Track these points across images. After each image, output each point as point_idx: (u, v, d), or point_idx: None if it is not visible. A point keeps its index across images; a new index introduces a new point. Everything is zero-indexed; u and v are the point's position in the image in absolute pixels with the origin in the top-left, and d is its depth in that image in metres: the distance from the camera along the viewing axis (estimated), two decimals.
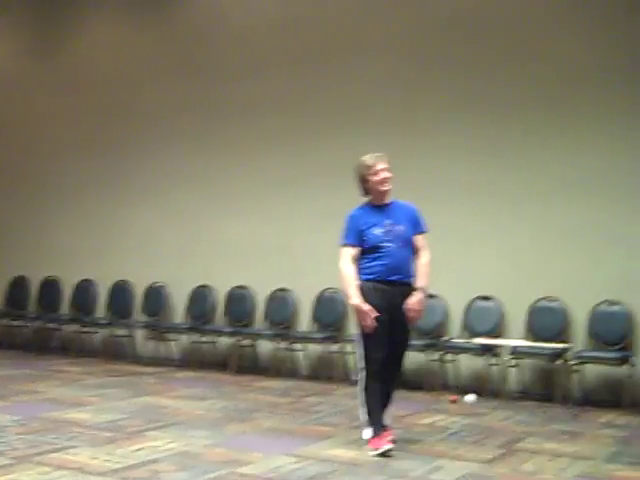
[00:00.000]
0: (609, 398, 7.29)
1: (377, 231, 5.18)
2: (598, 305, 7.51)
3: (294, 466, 4.70)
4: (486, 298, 8.00)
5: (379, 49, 8.76)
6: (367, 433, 5.15)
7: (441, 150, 8.34)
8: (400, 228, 5.21)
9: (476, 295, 8.03)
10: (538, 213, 7.88)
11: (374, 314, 5.01)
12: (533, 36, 8.03)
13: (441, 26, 8.45)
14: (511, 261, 7.93)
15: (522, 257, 7.90)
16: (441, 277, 7.79)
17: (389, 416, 5.25)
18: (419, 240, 5.27)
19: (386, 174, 5.23)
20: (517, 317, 7.84)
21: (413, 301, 5.12)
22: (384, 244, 5.15)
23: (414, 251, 5.25)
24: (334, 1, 9.14)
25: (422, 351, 7.87)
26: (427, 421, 6.29)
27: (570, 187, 7.75)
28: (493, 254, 8.01)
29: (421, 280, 5.20)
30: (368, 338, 5.10)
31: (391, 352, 5.13)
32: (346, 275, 5.17)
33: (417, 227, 5.29)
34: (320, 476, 4.49)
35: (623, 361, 7.18)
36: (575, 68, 7.80)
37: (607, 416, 6.74)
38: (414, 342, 7.90)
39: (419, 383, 7.91)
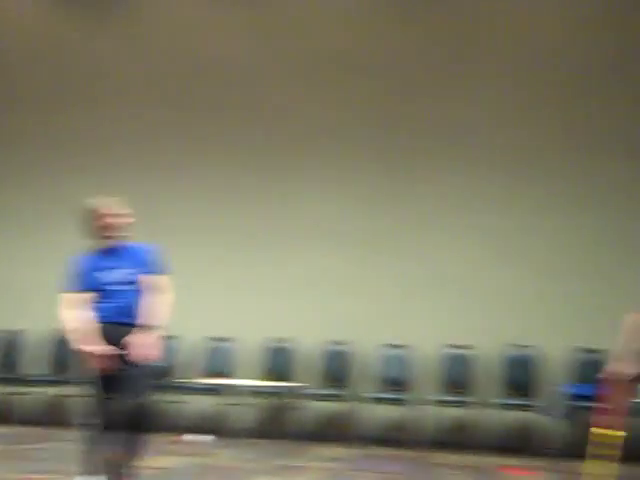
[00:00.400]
0: (330, 432, 7.70)
1: (102, 274, 5.12)
2: (325, 345, 7.94)
3: None
4: (222, 339, 8.17)
5: (124, 92, 8.81)
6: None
7: (181, 193, 8.50)
8: (128, 271, 5.18)
9: (212, 336, 8.18)
10: (272, 257, 8.22)
11: (104, 356, 4.93)
12: (265, 91, 8.47)
13: (183, 73, 8.67)
14: (246, 301, 8.17)
15: (254, 298, 8.16)
16: (177, 318, 7.91)
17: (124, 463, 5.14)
18: (154, 281, 5.24)
19: (110, 220, 5.19)
20: (250, 357, 8.08)
21: (133, 338, 5.07)
22: (110, 287, 5.11)
23: (147, 292, 5.22)
24: (91, 47, 9.05)
25: (155, 392, 7.84)
26: (156, 464, 6.25)
27: (305, 235, 8.18)
28: (227, 294, 8.21)
29: (148, 319, 5.17)
30: (99, 382, 5.00)
31: (127, 396, 5.05)
32: (68, 321, 5.06)
33: (151, 268, 5.25)
34: None
35: (343, 397, 7.63)
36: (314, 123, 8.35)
37: (327, 449, 7.12)
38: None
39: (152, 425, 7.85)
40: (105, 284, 5.10)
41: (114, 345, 4.99)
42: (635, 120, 7.69)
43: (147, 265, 5.24)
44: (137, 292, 5.17)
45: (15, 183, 8.88)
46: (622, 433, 4.30)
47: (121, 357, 5.02)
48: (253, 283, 8.22)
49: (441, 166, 8.04)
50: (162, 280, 5.24)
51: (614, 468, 4.29)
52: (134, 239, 5.35)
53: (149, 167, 8.58)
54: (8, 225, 8.86)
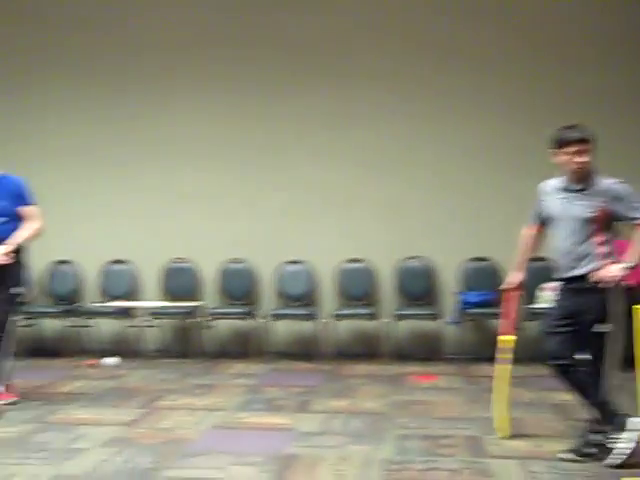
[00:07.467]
0: (239, 350, 7.86)
1: None
2: (224, 263, 8.00)
3: None
4: (122, 262, 8.12)
5: None
6: None
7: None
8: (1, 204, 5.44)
9: (111, 259, 8.10)
10: (159, 180, 8.15)
11: None
12: None
13: None
14: (142, 225, 8.10)
15: (153, 221, 8.10)
16: (72, 244, 7.86)
17: None
18: (25, 212, 5.54)
19: None
20: (151, 279, 8.08)
21: None
22: None
23: (22, 223, 5.49)
24: None
25: (58, 317, 7.81)
26: (67, 389, 6.27)
27: (190, 153, 8.11)
28: (125, 219, 8.12)
29: (13, 239, 5.37)
30: None
31: None
32: None
33: (21, 201, 5.54)
34: None
35: (249, 315, 7.78)
36: None
37: (238, 367, 7.28)
38: (49, 309, 7.83)
39: (57, 350, 7.84)
40: None
41: None
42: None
43: (19, 197, 5.53)
44: (15, 223, 5.47)
45: None
46: (514, 337, 4.66)
47: None
48: (145, 206, 8.12)
49: (314, 82, 7.95)
50: (30, 211, 5.55)
51: (510, 370, 4.63)
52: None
53: None
54: None
